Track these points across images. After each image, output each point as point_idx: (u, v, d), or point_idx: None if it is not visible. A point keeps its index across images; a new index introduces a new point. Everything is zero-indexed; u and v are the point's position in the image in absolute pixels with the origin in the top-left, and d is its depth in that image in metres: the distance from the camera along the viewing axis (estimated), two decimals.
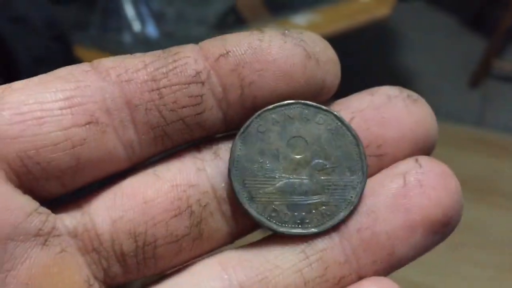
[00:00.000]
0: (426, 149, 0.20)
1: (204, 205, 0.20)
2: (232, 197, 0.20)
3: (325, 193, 0.20)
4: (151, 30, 1.01)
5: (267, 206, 0.20)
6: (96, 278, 0.19)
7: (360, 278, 0.20)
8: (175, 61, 0.19)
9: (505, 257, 1.14)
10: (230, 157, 0.20)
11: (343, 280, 0.20)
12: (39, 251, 0.18)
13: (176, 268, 0.20)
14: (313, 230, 0.20)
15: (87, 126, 0.18)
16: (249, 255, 0.20)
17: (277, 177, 0.20)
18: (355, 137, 0.20)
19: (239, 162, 0.20)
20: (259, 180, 0.20)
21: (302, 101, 0.20)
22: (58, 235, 0.18)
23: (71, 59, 0.71)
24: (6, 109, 0.17)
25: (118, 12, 1.01)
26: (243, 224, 0.20)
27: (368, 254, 0.19)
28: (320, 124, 0.20)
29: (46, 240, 0.18)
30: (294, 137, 0.20)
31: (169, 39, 0.98)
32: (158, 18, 1.02)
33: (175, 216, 0.19)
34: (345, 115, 0.20)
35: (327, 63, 0.20)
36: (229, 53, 0.19)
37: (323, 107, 0.20)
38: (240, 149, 0.20)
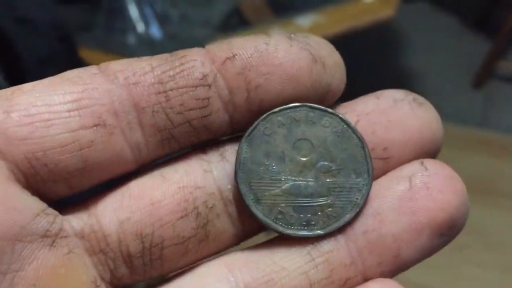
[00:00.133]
0: (431, 152, 0.20)
1: (211, 207, 0.20)
2: (238, 199, 0.20)
3: (331, 195, 0.20)
4: (155, 31, 1.01)
5: (273, 208, 0.20)
6: (103, 279, 0.19)
7: (366, 280, 0.20)
8: (182, 64, 0.19)
9: (508, 258, 1.13)
10: (236, 159, 0.20)
11: (349, 282, 0.20)
12: (46, 252, 0.18)
13: (182, 270, 0.20)
14: (319, 232, 0.20)
15: (95, 128, 0.18)
16: (255, 257, 0.20)
17: (283, 179, 0.20)
18: (361, 139, 0.20)
19: (245, 164, 0.20)
20: (265, 182, 0.20)
21: (308, 104, 0.20)
22: (66, 236, 0.18)
23: (75, 60, 0.71)
24: (15, 110, 0.17)
25: (122, 13, 1.01)
26: (249, 226, 0.21)
27: (374, 256, 0.19)
28: (326, 126, 0.20)
29: (53, 241, 0.18)
30: (300, 139, 0.20)
31: (173, 40, 0.99)
32: (162, 20, 1.02)
33: (182, 217, 0.19)
34: (351, 118, 0.20)
35: (333, 67, 0.20)
36: (236, 56, 0.19)
37: (329, 110, 0.20)
38: (246, 151, 0.20)
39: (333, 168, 0.20)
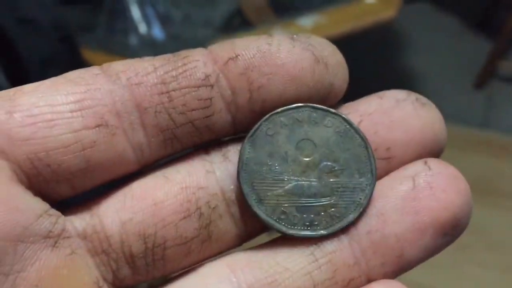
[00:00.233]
0: (434, 153, 0.20)
1: (213, 207, 0.20)
2: (241, 200, 0.20)
3: (334, 195, 0.20)
4: (157, 32, 1.01)
5: (276, 209, 0.20)
6: (105, 279, 0.19)
7: (369, 280, 0.20)
8: (184, 64, 0.19)
9: (508, 258, 1.14)
10: (239, 160, 0.20)
11: (352, 282, 0.20)
12: (49, 253, 0.18)
13: (184, 270, 0.20)
14: (322, 232, 0.20)
15: (97, 128, 0.18)
16: (258, 257, 0.20)
17: (285, 179, 0.20)
18: (364, 139, 0.20)
19: (248, 164, 0.20)
20: (268, 183, 0.20)
21: (311, 104, 0.20)
22: (68, 237, 0.18)
23: (77, 61, 0.71)
24: (18, 111, 0.17)
25: (125, 14, 1.01)
26: (251, 226, 0.20)
27: (378, 256, 0.19)
28: (329, 127, 0.20)
29: (56, 242, 0.18)
30: (302, 139, 0.20)
31: (175, 41, 0.99)
32: (164, 20, 1.02)
33: (185, 218, 0.19)
34: (354, 118, 0.20)
35: (336, 67, 0.20)
36: (238, 56, 0.19)
37: (332, 110, 0.20)
38: (249, 151, 0.20)
39: (336, 168, 0.20)
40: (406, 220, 0.19)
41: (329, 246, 0.20)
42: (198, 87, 0.19)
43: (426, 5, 1.91)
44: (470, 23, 1.82)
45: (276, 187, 0.20)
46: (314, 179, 0.20)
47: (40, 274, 0.17)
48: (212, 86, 0.19)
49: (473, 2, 1.88)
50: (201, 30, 1.01)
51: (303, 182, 0.20)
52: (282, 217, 0.20)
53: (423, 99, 0.21)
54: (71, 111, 0.18)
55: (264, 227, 0.20)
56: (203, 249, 0.20)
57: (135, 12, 1.01)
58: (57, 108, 0.18)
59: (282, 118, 0.20)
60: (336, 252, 0.20)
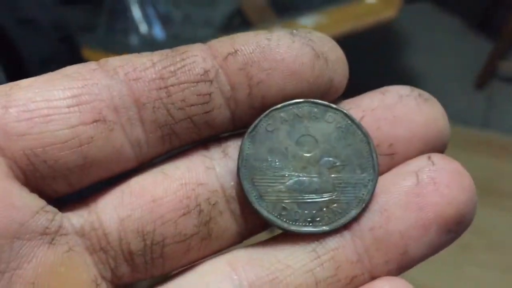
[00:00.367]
0: (438, 149, 0.20)
1: (213, 204, 0.19)
2: (241, 196, 0.20)
3: (336, 191, 0.20)
4: (158, 32, 1.01)
5: (277, 205, 0.19)
6: (103, 277, 0.19)
7: (373, 278, 0.19)
8: (183, 59, 0.19)
9: (508, 258, 1.14)
10: (239, 156, 0.19)
11: (355, 280, 0.19)
12: (45, 250, 0.17)
13: (184, 268, 0.20)
14: (325, 228, 0.19)
15: (95, 124, 0.18)
16: (259, 255, 0.20)
17: (286, 175, 0.19)
18: (366, 134, 0.20)
19: (248, 161, 0.19)
20: (269, 179, 0.19)
21: (311, 100, 0.20)
22: (65, 234, 0.18)
23: (78, 61, 0.71)
24: (14, 106, 0.17)
25: (125, 14, 1.01)
26: (252, 223, 0.20)
27: (381, 253, 0.19)
28: (330, 122, 0.20)
29: (53, 239, 0.18)
30: (303, 135, 0.20)
31: (175, 41, 0.99)
32: (165, 20, 1.02)
33: (184, 214, 0.19)
34: (355, 114, 0.20)
35: (336, 63, 0.19)
36: (238, 52, 0.19)
37: (333, 105, 0.20)
38: (249, 147, 0.20)
39: (337, 163, 0.20)
40: (410, 216, 0.19)
41: (332, 243, 0.19)
42: (197, 82, 0.19)
43: (426, 5, 1.91)
44: (470, 23, 1.82)
45: (276, 183, 0.19)
46: (315, 175, 0.20)
47: (37, 271, 0.17)
48: (211, 81, 0.19)
49: (473, 2, 1.88)
50: (201, 30, 1.01)
51: (304, 178, 0.20)
52: (283, 213, 0.19)
53: (426, 94, 0.20)
54: (68, 106, 0.18)
55: (265, 224, 0.20)
56: (203, 246, 0.20)
57: (136, 12, 1.01)
58: (54, 103, 0.17)
59: (282, 114, 0.20)
60: (338, 249, 0.19)
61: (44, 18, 0.70)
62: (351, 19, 1.07)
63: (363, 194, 0.19)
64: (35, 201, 0.18)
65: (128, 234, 0.19)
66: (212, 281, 0.19)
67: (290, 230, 0.19)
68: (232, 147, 0.20)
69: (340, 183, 0.20)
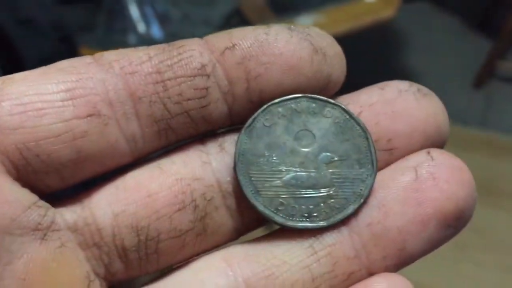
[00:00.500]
0: (437, 144, 0.20)
1: (209, 199, 0.19)
2: (238, 191, 0.19)
3: (334, 186, 0.19)
4: (156, 31, 1.01)
5: (274, 200, 0.19)
6: (97, 274, 0.19)
7: (370, 274, 0.19)
8: (180, 54, 0.18)
9: (507, 258, 1.14)
10: (235, 151, 0.19)
11: (353, 276, 0.19)
12: (37, 246, 0.17)
13: (179, 264, 0.20)
14: (322, 223, 0.19)
15: (89, 118, 0.18)
16: (255, 250, 0.19)
17: (284, 170, 0.19)
18: (364, 129, 0.19)
19: (245, 155, 0.19)
20: (266, 174, 0.19)
21: (309, 95, 0.19)
22: (58, 230, 0.18)
23: None
24: (6, 99, 0.17)
25: (123, 13, 1.01)
26: (248, 219, 0.20)
27: (379, 249, 0.19)
28: (328, 117, 0.20)
29: (45, 235, 0.17)
30: (301, 130, 0.20)
31: (173, 40, 0.98)
32: (163, 19, 1.02)
33: (179, 210, 0.19)
34: (354, 109, 0.20)
35: (334, 58, 0.19)
36: (235, 46, 0.18)
37: (331, 100, 0.20)
38: (246, 142, 0.19)
39: (335, 158, 0.19)
40: (408, 212, 0.19)
41: (329, 239, 0.19)
42: (194, 76, 0.18)
43: (425, 4, 1.91)
44: (469, 23, 1.82)
45: (274, 178, 0.19)
46: (313, 170, 0.19)
47: (28, 267, 0.17)
48: (208, 75, 0.18)
49: (473, 1, 1.88)
50: (200, 29, 1.01)
51: (302, 173, 0.19)
52: (280, 208, 0.19)
53: (425, 89, 0.20)
54: (62, 100, 0.17)
55: (262, 220, 0.20)
56: (198, 242, 0.19)
57: (134, 11, 1.01)
58: (47, 97, 0.17)
59: (280, 109, 0.19)
60: (336, 245, 0.19)
61: (43, 18, 0.70)
62: (350, 19, 1.07)
63: (361, 189, 0.19)
64: (27, 196, 0.17)
65: (122, 229, 0.19)
66: (207, 277, 0.19)
67: (286, 226, 0.19)
68: (229, 141, 0.20)
69: (338, 178, 0.19)
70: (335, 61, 0.19)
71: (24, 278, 0.17)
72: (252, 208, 0.19)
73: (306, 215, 0.19)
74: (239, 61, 0.19)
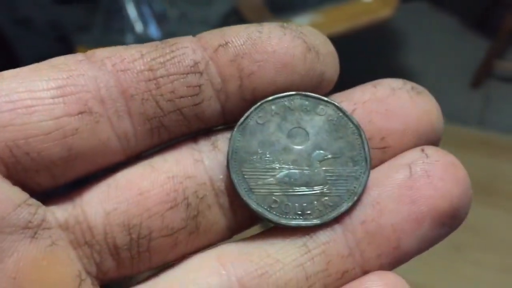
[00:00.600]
0: (431, 142, 0.20)
1: (201, 197, 0.19)
2: (231, 189, 0.19)
3: (327, 184, 0.19)
4: (154, 31, 1.01)
5: (267, 197, 0.19)
6: (88, 272, 0.19)
7: (365, 272, 0.19)
8: (172, 51, 0.18)
9: (507, 258, 1.14)
10: (228, 148, 0.19)
11: (347, 274, 0.19)
12: (27, 244, 0.17)
13: (171, 263, 0.20)
14: (315, 221, 0.19)
15: (80, 115, 0.17)
16: (249, 249, 0.19)
17: (277, 168, 0.19)
18: (357, 127, 0.19)
19: (238, 153, 0.19)
20: (259, 171, 0.19)
21: (302, 92, 0.19)
22: (48, 228, 0.18)
23: None
24: None
25: (121, 13, 1.01)
26: (241, 217, 0.20)
27: (373, 247, 0.19)
28: (321, 115, 0.20)
29: (35, 233, 0.17)
30: (294, 128, 0.19)
31: None
32: (160, 19, 1.02)
33: (171, 208, 0.19)
34: (347, 107, 0.20)
35: (327, 56, 0.19)
36: (228, 43, 0.18)
37: (324, 98, 0.20)
38: (238, 140, 0.19)
39: (329, 156, 0.19)
40: (403, 210, 0.19)
41: (323, 237, 0.19)
42: (187, 74, 0.18)
43: (423, 4, 1.91)
44: (467, 23, 1.82)
45: (267, 176, 0.19)
46: (306, 168, 0.19)
47: (18, 265, 0.17)
48: (201, 73, 0.18)
49: (471, 1, 1.88)
50: (197, 29, 1.00)
51: (295, 171, 0.19)
52: (273, 206, 0.19)
53: (419, 87, 0.20)
54: (53, 97, 0.17)
55: (255, 219, 0.20)
56: (191, 240, 0.19)
57: (131, 11, 1.01)
58: (38, 94, 0.17)
59: (273, 106, 0.19)
60: (329, 243, 0.19)
61: (41, 18, 0.70)
62: (348, 18, 1.07)
63: (355, 187, 0.19)
64: (17, 194, 0.17)
65: (113, 227, 0.18)
66: (199, 276, 0.19)
67: (280, 223, 0.19)
68: (222, 139, 0.20)
69: (332, 176, 0.19)
70: (328, 60, 0.19)
71: (15, 277, 0.17)
72: (245, 206, 0.19)
73: (299, 213, 0.19)
74: (232, 58, 0.18)
